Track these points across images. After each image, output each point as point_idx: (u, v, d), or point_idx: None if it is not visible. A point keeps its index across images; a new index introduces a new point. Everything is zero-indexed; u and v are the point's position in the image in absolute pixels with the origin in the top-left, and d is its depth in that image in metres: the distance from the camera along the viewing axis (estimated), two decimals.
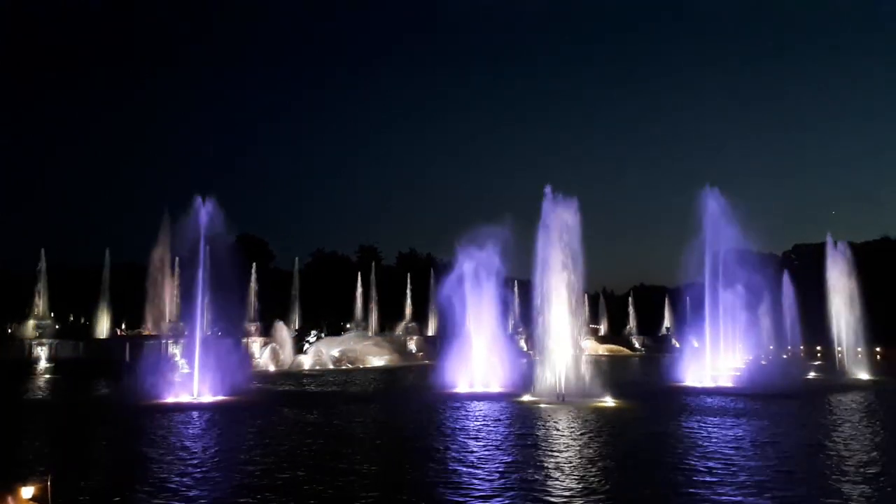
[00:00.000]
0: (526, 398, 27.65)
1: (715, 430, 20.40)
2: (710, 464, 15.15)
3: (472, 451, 16.74)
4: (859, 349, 44.76)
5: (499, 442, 18.37)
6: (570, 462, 15.45)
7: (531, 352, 46.16)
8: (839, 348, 46.17)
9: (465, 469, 14.71)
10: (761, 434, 19.99)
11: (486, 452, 16.62)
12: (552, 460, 15.62)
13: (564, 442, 18.23)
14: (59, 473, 12.48)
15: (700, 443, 18.15)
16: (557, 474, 14.14)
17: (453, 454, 16.54)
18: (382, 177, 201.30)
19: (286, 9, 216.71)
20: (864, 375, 40.94)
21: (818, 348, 56.22)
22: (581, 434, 19.65)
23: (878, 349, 52.54)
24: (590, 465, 15.10)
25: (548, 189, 30.46)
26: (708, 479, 13.72)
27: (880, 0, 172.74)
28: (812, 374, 42.79)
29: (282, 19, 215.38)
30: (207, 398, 27.89)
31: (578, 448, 17.30)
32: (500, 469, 14.74)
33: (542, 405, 25.79)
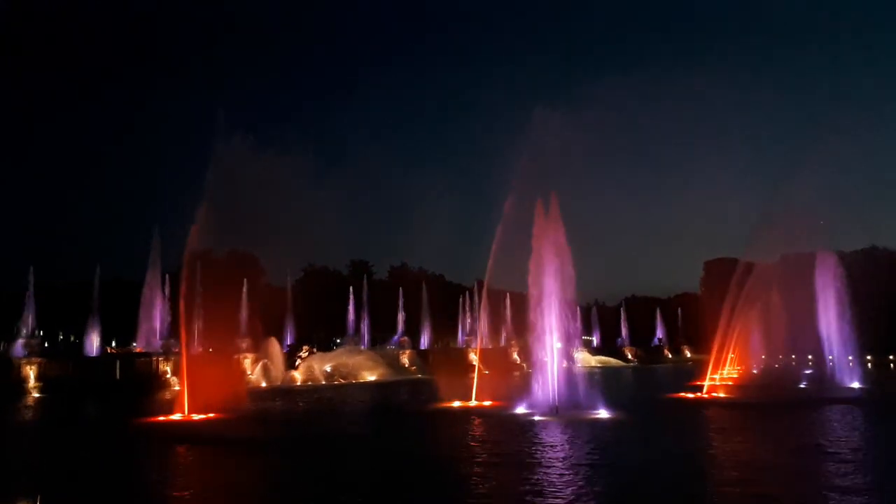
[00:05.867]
0: (520, 411, 27.51)
1: (709, 444, 20.33)
2: (715, 472, 15.10)
3: (472, 469, 16.59)
4: (850, 358, 44.88)
5: (497, 459, 18.17)
6: (570, 478, 15.34)
7: (524, 364, 46.08)
8: (830, 357, 46.28)
9: (467, 489, 14.58)
10: (760, 448, 19.97)
11: (486, 470, 16.47)
12: (553, 476, 15.49)
13: (563, 457, 18.12)
14: (47, 494, 12.30)
15: (698, 457, 18.09)
16: (558, 492, 14.04)
17: (453, 471, 16.39)
18: (373, 190, 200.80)
19: (273, 22, 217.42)
20: (856, 384, 41.03)
21: (809, 357, 56.33)
22: (580, 449, 19.59)
23: (868, 358, 52.75)
24: (590, 480, 15.02)
25: (539, 203, 30.51)
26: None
27: (876, 6, 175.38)
28: (804, 384, 42.83)
29: (268, 33, 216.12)
30: (198, 416, 27.56)
31: (578, 463, 17.19)
32: (502, 489, 14.60)
33: (536, 418, 25.66)
